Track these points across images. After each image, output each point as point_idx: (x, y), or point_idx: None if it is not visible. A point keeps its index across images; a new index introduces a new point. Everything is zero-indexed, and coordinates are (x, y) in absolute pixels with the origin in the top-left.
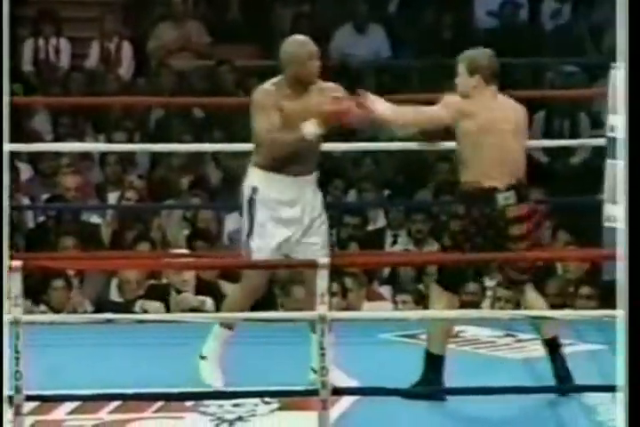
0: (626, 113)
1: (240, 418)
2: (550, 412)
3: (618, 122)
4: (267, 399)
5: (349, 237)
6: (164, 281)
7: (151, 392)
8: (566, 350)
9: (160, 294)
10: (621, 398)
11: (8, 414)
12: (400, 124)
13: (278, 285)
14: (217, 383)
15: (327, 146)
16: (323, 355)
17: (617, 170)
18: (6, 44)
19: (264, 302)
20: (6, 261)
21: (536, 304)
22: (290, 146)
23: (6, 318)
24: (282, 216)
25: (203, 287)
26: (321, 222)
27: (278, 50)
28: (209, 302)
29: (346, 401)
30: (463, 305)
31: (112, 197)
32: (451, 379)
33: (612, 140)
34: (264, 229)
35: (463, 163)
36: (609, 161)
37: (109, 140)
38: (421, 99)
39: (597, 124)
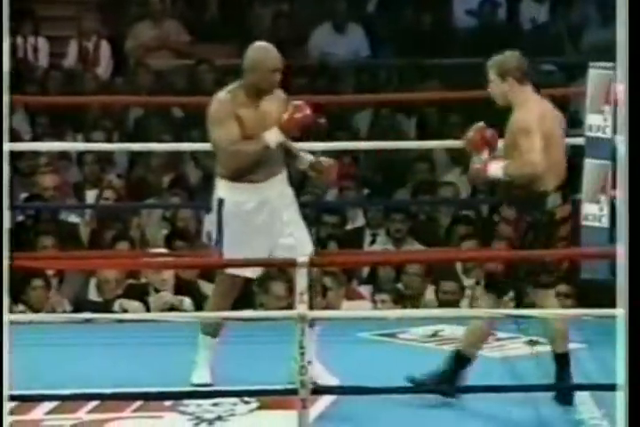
0: (626, 113)
1: (219, 417)
2: (530, 411)
3: (596, 121)
4: (246, 399)
5: (328, 236)
6: (143, 281)
7: (130, 392)
8: (544, 349)
9: (139, 293)
10: (621, 397)
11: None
12: (515, 177)
13: (256, 282)
14: (201, 382)
15: (306, 145)
16: (302, 354)
17: (595, 169)
18: (6, 45)
19: (243, 300)
20: (6, 261)
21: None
22: (253, 156)
23: (6, 317)
24: (253, 224)
25: (182, 287)
26: (296, 222)
27: None
28: (187, 301)
29: (325, 400)
30: (442, 304)
31: (90, 197)
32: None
33: (590, 140)
34: (238, 241)
35: None
36: (587, 160)
37: (88, 140)
38: (400, 98)
39: (575, 123)
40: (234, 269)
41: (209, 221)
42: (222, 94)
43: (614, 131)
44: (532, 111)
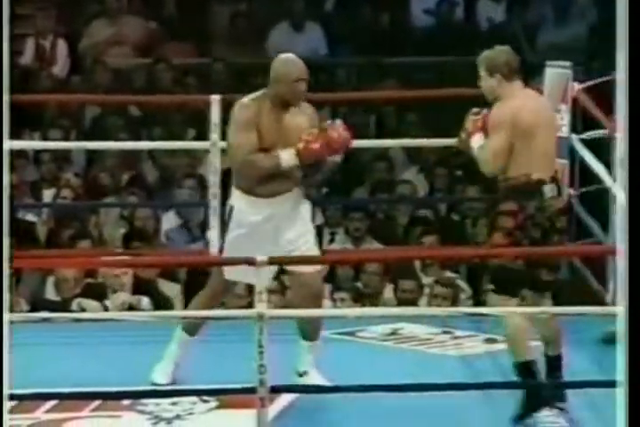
0: (626, 113)
1: (178, 416)
2: (487, 408)
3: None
4: (205, 398)
5: None
6: (101, 280)
7: (88, 391)
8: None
9: (97, 292)
10: (621, 394)
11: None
12: (481, 158)
13: None
14: (162, 380)
15: None
16: (261, 353)
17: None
18: (6, 44)
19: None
20: (6, 262)
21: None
22: (266, 170)
23: (6, 317)
24: (256, 236)
25: (141, 286)
26: (303, 238)
27: (215, 48)
28: (145, 300)
29: (284, 399)
30: (400, 303)
31: (47, 195)
32: (390, 377)
33: None
34: (238, 249)
35: (510, 158)
36: None
37: (45, 138)
38: (358, 97)
39: None
40: (234, 276)
41: (167, 220)
42: (247, 101)
43: (571, 130)
44: (509, 107)
